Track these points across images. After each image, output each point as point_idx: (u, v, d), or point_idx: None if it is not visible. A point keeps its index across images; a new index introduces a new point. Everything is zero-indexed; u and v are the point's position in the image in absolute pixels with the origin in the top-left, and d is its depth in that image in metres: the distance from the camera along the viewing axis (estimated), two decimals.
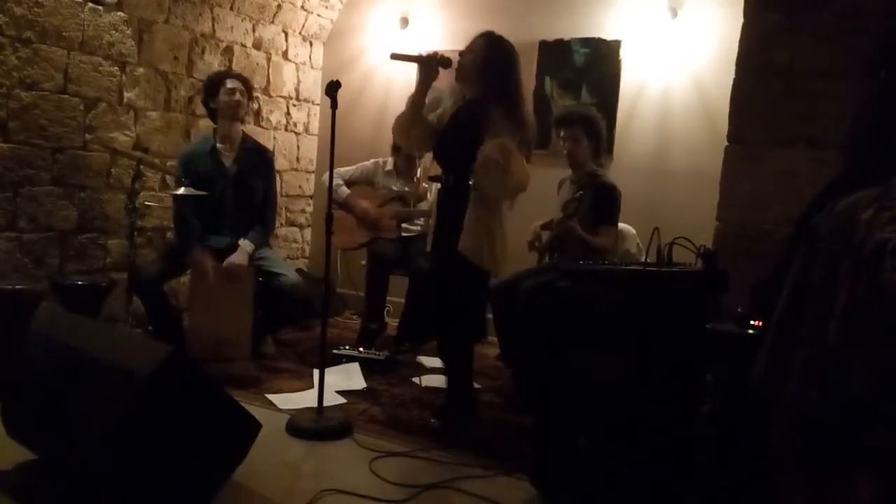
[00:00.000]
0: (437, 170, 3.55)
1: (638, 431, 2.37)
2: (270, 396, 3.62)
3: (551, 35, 5.23)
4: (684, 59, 4.80)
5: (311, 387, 3.69)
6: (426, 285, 3.54)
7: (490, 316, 3.72)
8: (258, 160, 4.38)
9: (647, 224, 2.86)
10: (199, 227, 4.13)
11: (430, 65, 3.33)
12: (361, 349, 4.38)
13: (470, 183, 3.20)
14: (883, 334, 1.43)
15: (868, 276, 1.44)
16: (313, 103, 6.25)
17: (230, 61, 5.35)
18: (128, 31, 4.58)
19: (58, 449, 2.45)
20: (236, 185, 4.25)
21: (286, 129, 6.00)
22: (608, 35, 5.05)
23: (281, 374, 4.07)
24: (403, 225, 4.91)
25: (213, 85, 4.28)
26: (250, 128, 4.81)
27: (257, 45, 5.60)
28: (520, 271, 3.81)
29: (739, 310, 2.25)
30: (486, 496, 2.64)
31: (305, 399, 3.56)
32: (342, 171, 4.96)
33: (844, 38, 2.65)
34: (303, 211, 6.32)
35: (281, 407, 3.48)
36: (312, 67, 6.19)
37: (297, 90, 6.06)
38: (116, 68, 4.55)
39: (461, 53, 3.35)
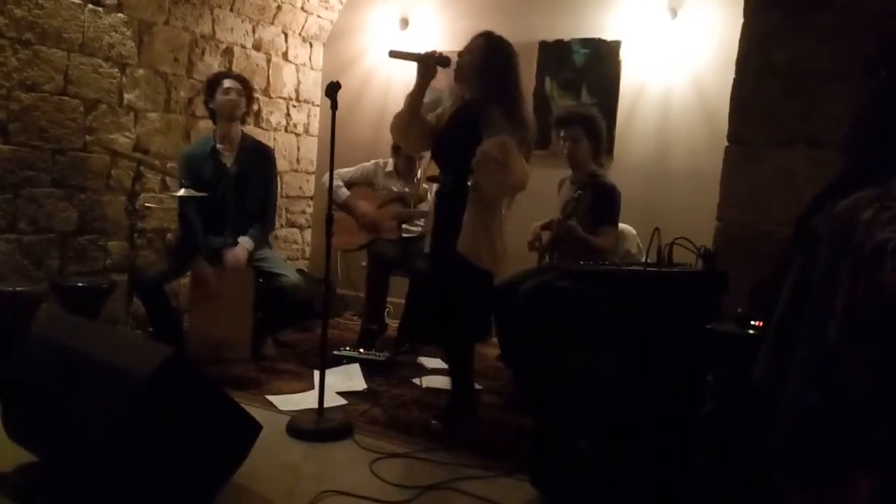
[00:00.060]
0: (435, 170, 3.55)
1: (638, 432, 2.37)
2: (271, 398, 3.62)
3: (551, 35, 5.23)
4: (684, 59, 4.81)
5: (312, 388, 3.68)
6: (426, 286, 3.53)
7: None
8: (258, 159, 4.37)
9: (648, 224, 2.86)
10: (200, 228, 4.12)
11: (428, 63, 3.32)
12: (362, 350, 4.38)
13: (468, 183, 3.20)
14: (883, 334, 1.43)
15: (868, 277, 1.44)
16: (313, 104, 6.26)
17: (230, 62, 5.35)
18: (128, 33, 4.58)
19: (58, 450, 2.45)
20: (237, 186, 4.25)
21: (286, 130, 6.00)
22: (608, 35, 5.05)
23: (281, 375, 4.07)
24: (404, 226, 4.91)
25: (211, 86, 4.29)
26: (250, 129, 4.80)
27: (257, 47, 5.60)
28: (520, 272, 3.81)
29: (740, 310, 2.24)
30: (486, 497, 2.64)
31: (306, 400, 3.56)
32: (342, 172, 4.96)
33: (844, 39, 2.65)
34: (303, 212, 6.32)
35: (281, 408, 3.48)
36: (312, 68, 6.20)
37: (297, 91, 6.06)
38: (116, 70, 4.55)
39: (460, 54, 3.35)
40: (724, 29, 4.41)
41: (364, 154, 5.31)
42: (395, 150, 4.89)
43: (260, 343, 4.33)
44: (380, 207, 4.89)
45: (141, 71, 4.71)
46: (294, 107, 6.05)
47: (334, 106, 3.22)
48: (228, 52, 5.35)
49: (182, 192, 3.86)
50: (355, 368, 4.12)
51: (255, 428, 2.55)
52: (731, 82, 2.97)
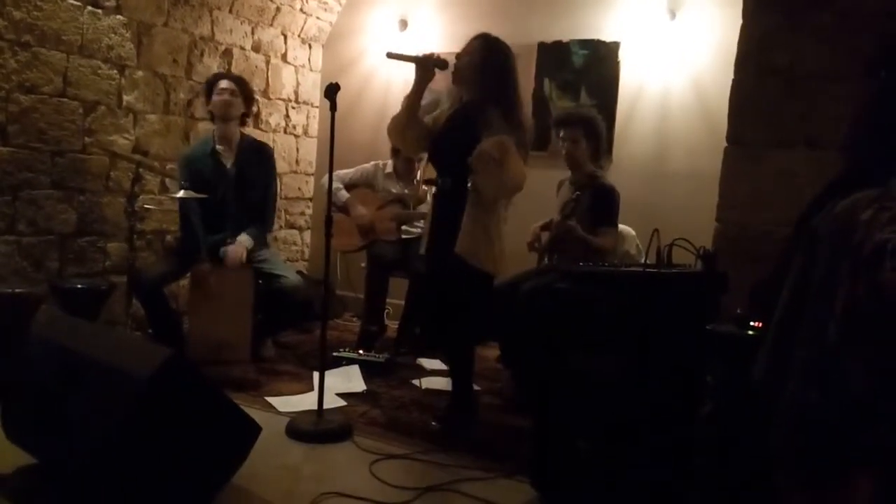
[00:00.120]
0: (432, 173, 3.54)
1: (638, 432, 2.37)
2: (270, 399, 3.62)
3: (550, 37, 5.24)
4: (683, 60, 4.81)
5: (311, 389, 3.68)
6: (423, 288, 3.53)
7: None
8: (257, 158, 4.37)
9: (647, 225, 2.86)
10: (201, 229, 4.11)
11: (426, 65, 3.31)
12: (361, 351, 4.37)
13: (468, 185, 3.19)
14: (883, 334, 1.43)
15: (868, 277, 1.44)
16: (312, 106, 6.26)
17: (229, 64, 5.35)
18: (127, 35, 4.58)
19: (57, 452, 2.45)
20: (237, 186, 4.25)
21: (285, 132, 6.00)
22: (607, 37, 5.06)
23: (281, 376, 4.07)
24: (403, 227, 4.91)
25: (209, 87, 4.30)
26: (249, 130, 4.80)
27: (256, 48, 5.61)
28: (520, 273, 3.81)
29: (739, 311, 2.24)
30: (486, 498, 2.63)
31: (305, 402, 3.56)
32: (342, 173, 4.97)
33: (844, 39, 2.65)
34: (302, 213, 6.32)
35: (281, 409, 3.48)
36: (311, 70, 6.20)
37: (296, 93, 6.06)
38: (115, 71, 4.55)
39: (457, 56, 3.34)
40: (722, 30, 4.41)
41: (363, 155, 5.31)
42: (395, 151, 4.90)
43: (259, 344, 4.32)
44: (379, 209, 4.89)
45: (140, 73, 4.71)
46: (293, 108, 6.06)
47: (333, 107, 3.22)
48: (227, 54, 5.35)
49: (181, 193, 3.85)
50: (355, 370, 4.11)
51: (254, 429, 2.54)
52: (730, 83, 2.97)
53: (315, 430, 3.17)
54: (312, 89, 6.21)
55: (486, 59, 3.25)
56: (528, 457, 2.77)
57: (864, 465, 1.48)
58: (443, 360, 3.74)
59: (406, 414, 3.56)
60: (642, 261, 3.23)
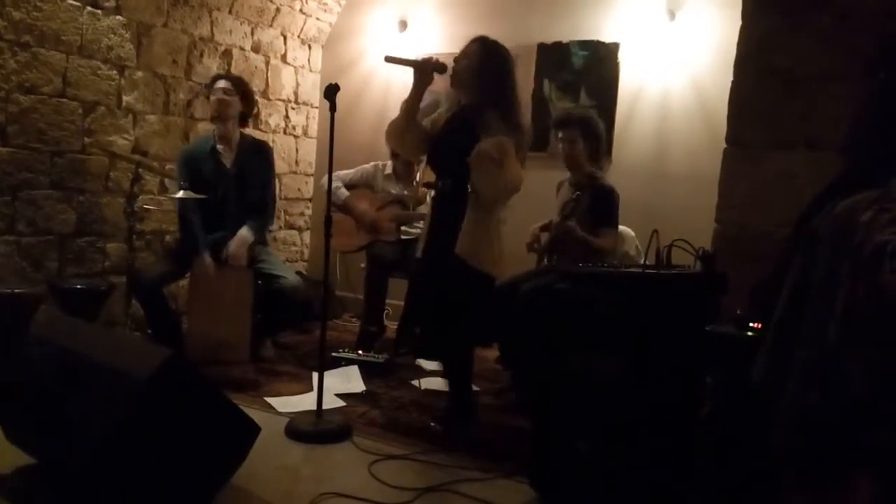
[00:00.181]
0: (430, 176, 3.54)
1: (637, 433, 2.37)
2: (269, 399, 3.61)
3: (550, 37, 5.24)
4: (683, 61, 4.81)
5: (311, 390, 3.68)
6: (420, 290, 3.52)
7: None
8: (257, 157, 4.36)
9: (646, 226, 2.86)
10: (200, 228, 4.10)
11: (424, 69, 3.31)
12: (360, 352, 4.37)
13: (468, 187, 3.19)
14: (883, 335, 1.43)
15: (868, 278, 1.44)
16: (312, 106, 6.26)
17: (229, 65, 5.35)
18: (126, 35, 4.58)
19: (56, 452, 2.45)
20: (237, 185, 4.25)
21: (285, 133, 6.00)
22: (607, 37, 5.06)
23: (280, 377, 4.06)
24: (403, 228, 4.91)
25: (208, 88, 4.30)
26: (248, 131, 4.80)
27: (256, 49, 5.61)
28: (519, 273, 3.81)
29: (739, 311, 2.24)
30: (485, 499, 2.63)
31: (304, 402, 3.56)
32: (341, 174, 4.97)
33: (844, 39, 2.65)
34: (302, 214, 6.32)
35: (280, 410, 3.48)
36: (311, 71, 6.20)
37: (295, 93, 6.06)
38: (115, 72, 4.55)
39: (455, 59, 3.32)
40: (722, 30, 4.42)
41: (363, 156, 5.31)
42: (395, 153, 4.90)
43: (259, 345, 4.32)
44: (379, 209, 4.89)
45: (139, 73, 4.71)
46: (293, 109, 6.06)
47: (333, 108, 3.21)
48: (227, 55, 5.35)
49: (181, 194, 3.85)
50: (354, 370, 4.11)
51: (253, 430, 2.54)
52: (729, 84, 2.97)
53: (314, 430, 3.17)
54: (312, 90, 6.21)
55: (484, 63, 3.24)
56: (527, 457, 2.77)
57: (864, 466, 1.48)
58: (441, 362, 3.73)
59: (405, 414, 3.56)
60: (642, 262, 3.23)
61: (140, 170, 3.84)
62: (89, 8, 4.34)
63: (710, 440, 2.22)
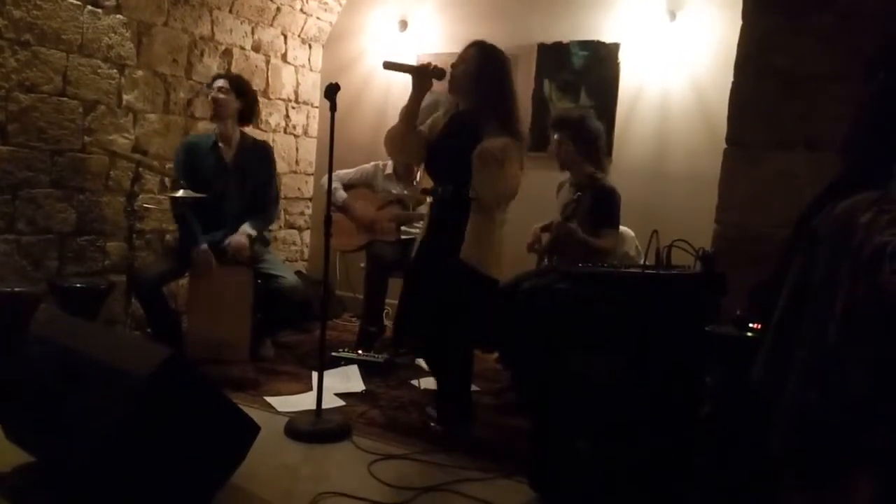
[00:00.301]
0: (429, 183, 3.52)
1: (637, 433, 2.37)
2: (269, 399, 3.61)
3: (550, 38, 5.24)
4: (683, 61, 4.81)
5: (310, 389, 3.68)
6: (413, 292, 3.48)
7: None
8: (257, 157, 4.36)
9: (646, 226, 2.86)
10: (197, 224, 4.10)
11: (423, 75, 3.29)
12: (360, 352, 4.37)
13: (470, 193, 3.18)
14: (883, 335, 1.43)
15: (868, 279, 1.44)
16: (312, 106, 6.26)
17: (229, 64, 5.35)
18: (127, 34, 4.58)
19: (56, 451, 2.45)
20: (237, 185, 4.25)
21: (285, 132, 6.00)
22: (607, 38, 5.06)
23: (280, 376, 4.06)
24: (402, 228, 4.91)
25: (209, 87, 4.30)
26: (248, 130, 4.79)
27: (256, 48, 5.61)
28: (520, 274, 3.81)
29: (739, 312, 2.24)
30: (484, 499, 2.63)
31: (304, 401, 3.56)
32: (342, 174, 4.97)
33: (844, 39, 2.65)
34: (302, 213, 6.32)
35: (279, 409, 3.48)
36: (311, 70, 6.20)
37: (296, 93, 6.06)
38: (115, 71, 4.55)
39: (453, 64, 3.30)
40: (722, 31, 4.42)
41: (363, 156, 5.31)
42: None
43: (258, 344, 4.32)
44: (379, 209, 4.89)
45: (140, 72, 4.71)
46: (293, 108, 6.06)
47: (333, 107, 3.21)
48: (227, 54, 5.35)
49: (181, 192, 3.84)
50: (354, 370, 4.11)
51: (253, 429, 2.54)
52: (729, 84, 2.97)
53: (314, 429, 3.17)
54: (312, 89, 6.21)
55: (482, 68, 3.22)
56: (527, 457, 2.77)
57: (864, 466, 1.48)
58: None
59: (405, 414, 3.56)
60: (642, 262, 3.23)
61: (140, 169, 3.84)
62: (90, 7, 4.33)
63: (710, 440, 2.22)
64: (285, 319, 4.45)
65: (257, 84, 5.51)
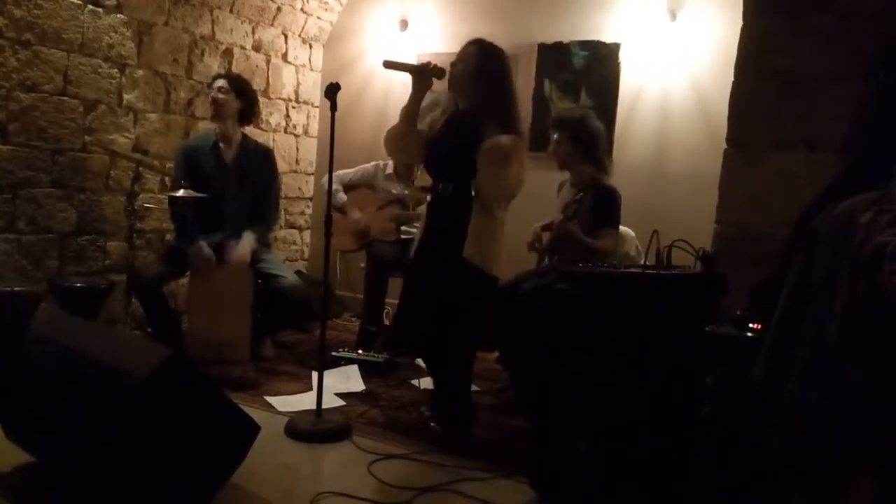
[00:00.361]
0: (426, 181, 3.52)
1: (637, 433, 2.37)
2: (269, 399, 3.61)
3: (550, 38, 5.24)
4: (683, 61, 4.81)
5: (310, 389, 3.68)
6: (415, 291, 3.48)
7: None
8: (258, 159, 4.35)
9: (646, 226, 2.86)
10: (195, 223, 4.10)
11: (423, 75, 3.29)
12: (360, 351, 4.37)
13: (472, 191, 3.18)
14: (883, 335, 1.43)
15: (867, 279, 1.44)
16: (313, 105, 6.26)
17: (230, 64, 5.35)
18: (127, 34, 4.58)
19: (56, 451, 2.45)
20: (237, 184, 4.24)
21: (285, 132, 6.00)
22: (607, 38, 5.06)
23: (280, 376, 4.07)
24: (403, 228, 4.91)
25: (209, 87, 4.30)
26: (248, 129, 4.80)
27: (257, 48, 5.61)
28: (520, 273, 3.81)
29: (739, 312, 2.24)
30: (484, 499, 2.63)
31: (304, 401, 3.56)
32: (342, 173, 4.97)
33: (845, 40, 2.65)
34: (302, 213, 6.32)
35: (280, 409, 3.48)
36: (312, 69, 6.20)
37: (296, 92, 6.06)
38: (116, 70, 4.55)
39: (452, 63, 3.29)
40: (723, 31, 4.42)
41: (364, 155, 5.31)
42: None
43: (258, 344, 4.32)
44: (379, 209, 4.89)
45: (140, 72, 4.71)
46: (293, 108, 6.06)
47: (334, 107, 3.21)
48: (228, 54, 5.35)
49: (181, 192, 3.84)
50: (354, 370, 4.11)
51: (253, 429, 2.54)
52: (730, 84, 2.97)
53: (314, 429, 3.17)
54: (313, 89, 6.21)
55: (481, 66, 3.21)
56: (527, 457, 2.77)
57: (864, 466, 1.48)
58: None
59: (405, 414, 3.56)
60: (642, 262, 3.23)
61: (141, 168, 3.84)
62: (90, 6, 4.33)
63: (711, 440, 2.22)
64: (285, 319, 4.45)
65: (258, 84, 5.51)
